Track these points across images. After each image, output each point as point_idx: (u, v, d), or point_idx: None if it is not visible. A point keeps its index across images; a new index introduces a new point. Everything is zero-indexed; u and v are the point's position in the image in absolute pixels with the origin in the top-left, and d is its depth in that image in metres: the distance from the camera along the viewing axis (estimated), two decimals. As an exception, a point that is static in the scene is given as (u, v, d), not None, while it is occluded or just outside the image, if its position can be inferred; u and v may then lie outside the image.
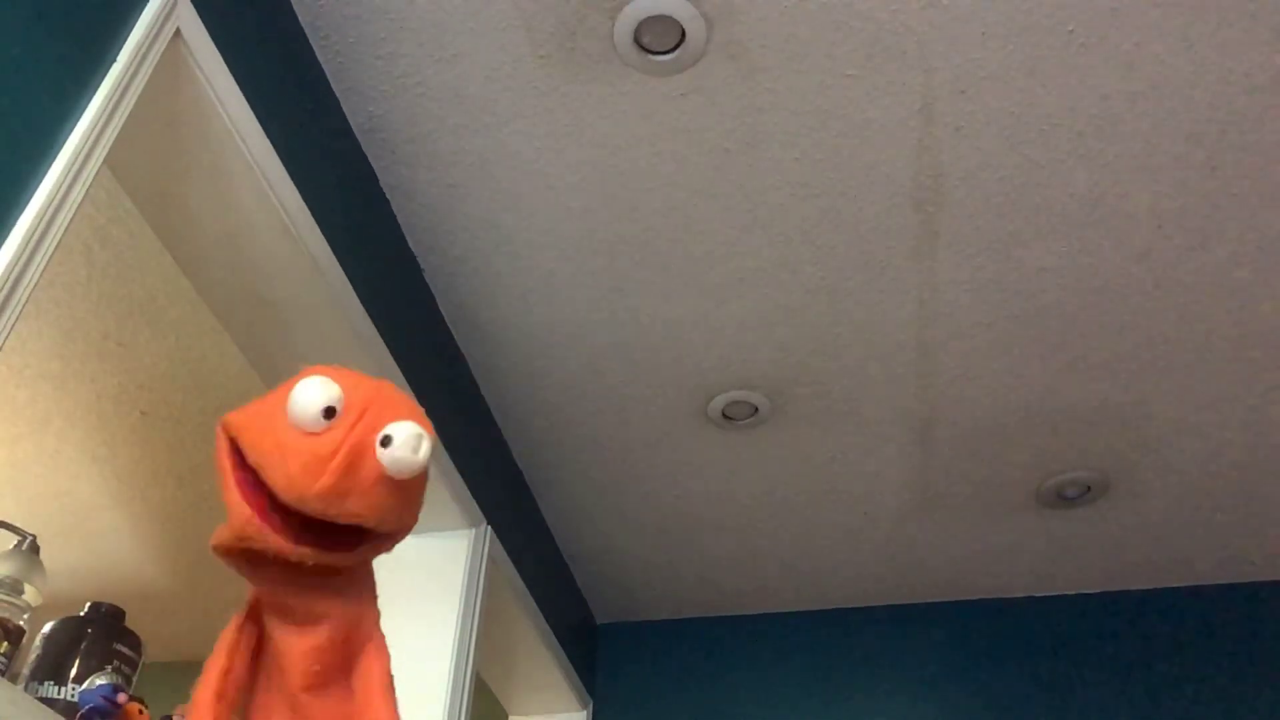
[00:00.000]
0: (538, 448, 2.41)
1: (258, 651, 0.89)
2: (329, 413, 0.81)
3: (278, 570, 0.84)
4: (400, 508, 0.84)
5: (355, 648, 0.89)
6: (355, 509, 0.80)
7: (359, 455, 0.80)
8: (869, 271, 1.95)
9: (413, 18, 1.57)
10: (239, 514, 0.80)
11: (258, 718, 0.87)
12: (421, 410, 0.87)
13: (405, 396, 0.88)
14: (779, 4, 1.54)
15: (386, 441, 0.80)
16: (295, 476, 0.79)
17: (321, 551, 0.82)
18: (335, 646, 0.87)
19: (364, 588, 0.92)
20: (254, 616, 0.89)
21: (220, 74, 1.32)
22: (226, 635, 0.87)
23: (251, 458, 0.81)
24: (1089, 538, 2.61)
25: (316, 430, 0.80)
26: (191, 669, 0.85)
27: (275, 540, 0.80)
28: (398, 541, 0.88)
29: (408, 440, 0.80)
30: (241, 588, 0.92)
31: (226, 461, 0.83)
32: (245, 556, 0.84)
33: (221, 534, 0.83)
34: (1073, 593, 2.81)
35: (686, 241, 1.91)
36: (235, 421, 0.84)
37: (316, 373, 0.85)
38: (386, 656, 0.89)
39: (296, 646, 0.85)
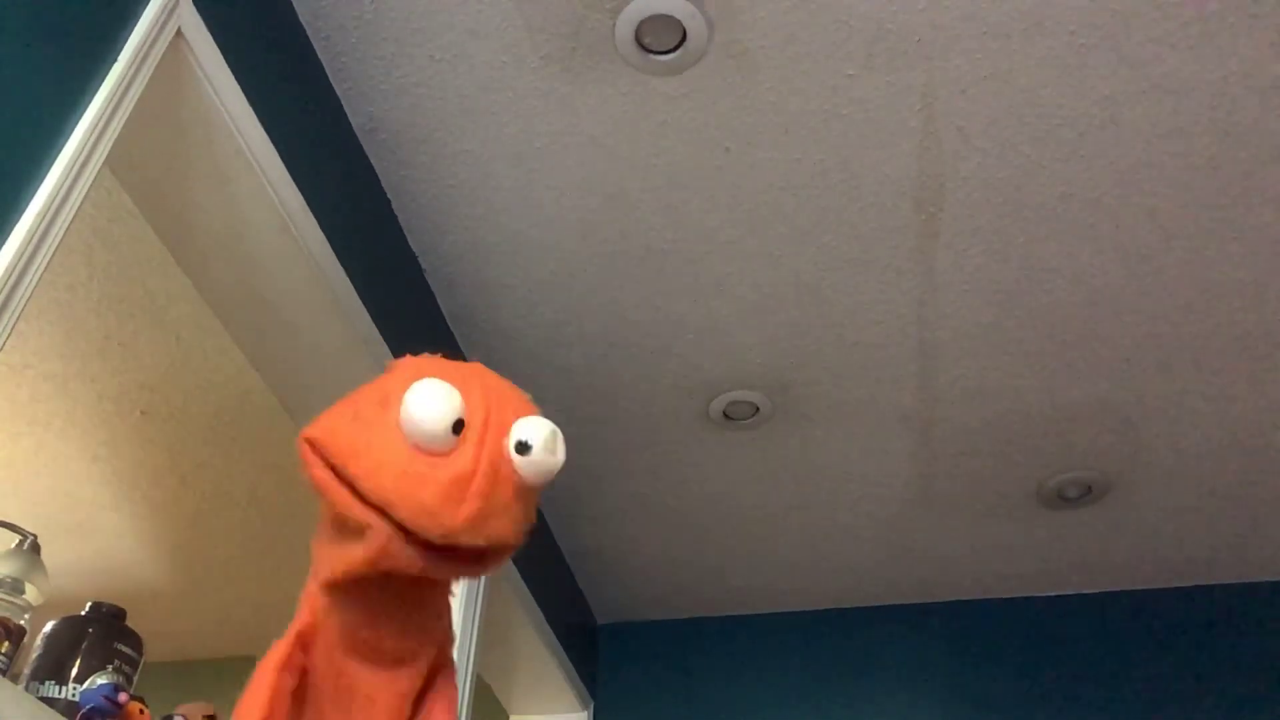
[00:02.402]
0: (538, 448, 2.41)
1: (298, 694, 0.76)
2: (457, 427, 0.70)
3: (380, 600, 0.75)
4: (531, 515, 0.76)
5: (433, 670, 0.81)
6: (498, 531, 0.71)
7: (496, 470, 0.71)
8: (869, 271, 1.95)
9: (414, 18, 1.57)
10: (380, 532, 0.69)
11: None
12: (526, 396, 0.79)
13: (510, 385, 0.79)
14: (780, 4, 1.54)
15: (524, 448, 0.72)
16: (436, 509, 0.68)
17: (457, 566, 0.73)
18: (420, 684, 0.78)
19: (447, 609, 0.84)
20: (301, 648, 0.76)
21: (221, 74, 1.32)
22: (266, 674, 0.73)
23: (372, 494, 0.69)
24: (1089, 538, 2.61)
25: (447, 449, 0.70)
26: (192, 669, 0.85)
27: (417, 560, 0.70)
28: (503, 561, 0.79)
29: (545, 442, 0.73)
30: (242, 586, 0.89)
31: (338, 487, 0.71)
32: (352, 586, 0.73)
33: (346, 561, 0.72)
34: (1073, 593, 2.81)
35: (687, 241, 1.91)
36: (332, 445, 0.72)
37: (423, 374, 0.73)
38: (455, 690, 0.82)
39: (388, 690, 0.76)
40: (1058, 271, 1.93)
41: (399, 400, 0.71)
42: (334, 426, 0.73)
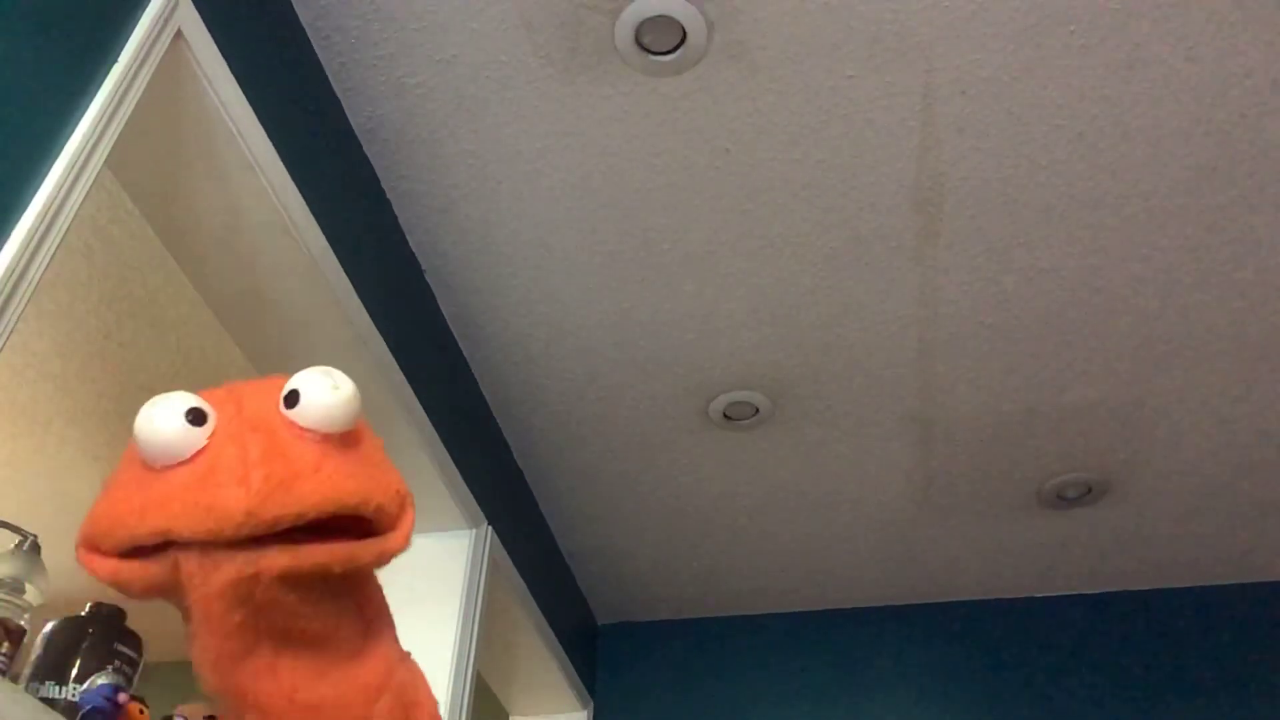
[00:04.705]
0: (538, 448, 2.41)
1: None
2: (196, 417, 0.59)
3: (291, 662, 0.61)
4: (369, 468, 0.63)
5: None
6: (318, 492, 0.58)
7: (271, 433, 0.59)
8: (869, 271, 1.95)
9: (414, 18, 1.57)
10: (186, 560, 0.57)
11: None
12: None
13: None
14: (780, 4, 1.54)
15: (293, 399, 0.61)
16: (213, 502, 0.56)
17: (324, 551, 0.60)
18: None
19: (401, 659, 0.69)
20: None
21: (221, 75, 1.32)
22: None
23: (146, 532, 0.58)
24: (1089, 538, 2.61)
25: (197, 447, 0.58)
26: (192, 669, 0.84)
27: (258, 559, 0.57)
28: (407, 527, 0.66)
29: (317, 384, 0.61)
30: None
31: (126, 563, 0.59)
32: (253, 652, 0.60)
33: (203, 639, 0.59)
34: (1073, 593, 2.81)
35: (686, 241, 1.91)
36: (95, 529, 0.61)
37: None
38: None
39: None
40: (1058, 271, 1.93)
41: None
42: (89, 515, 0.63)
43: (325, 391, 0.61)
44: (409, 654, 0.72)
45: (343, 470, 0.60)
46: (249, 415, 0.60)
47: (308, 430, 0.60)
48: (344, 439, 0.62)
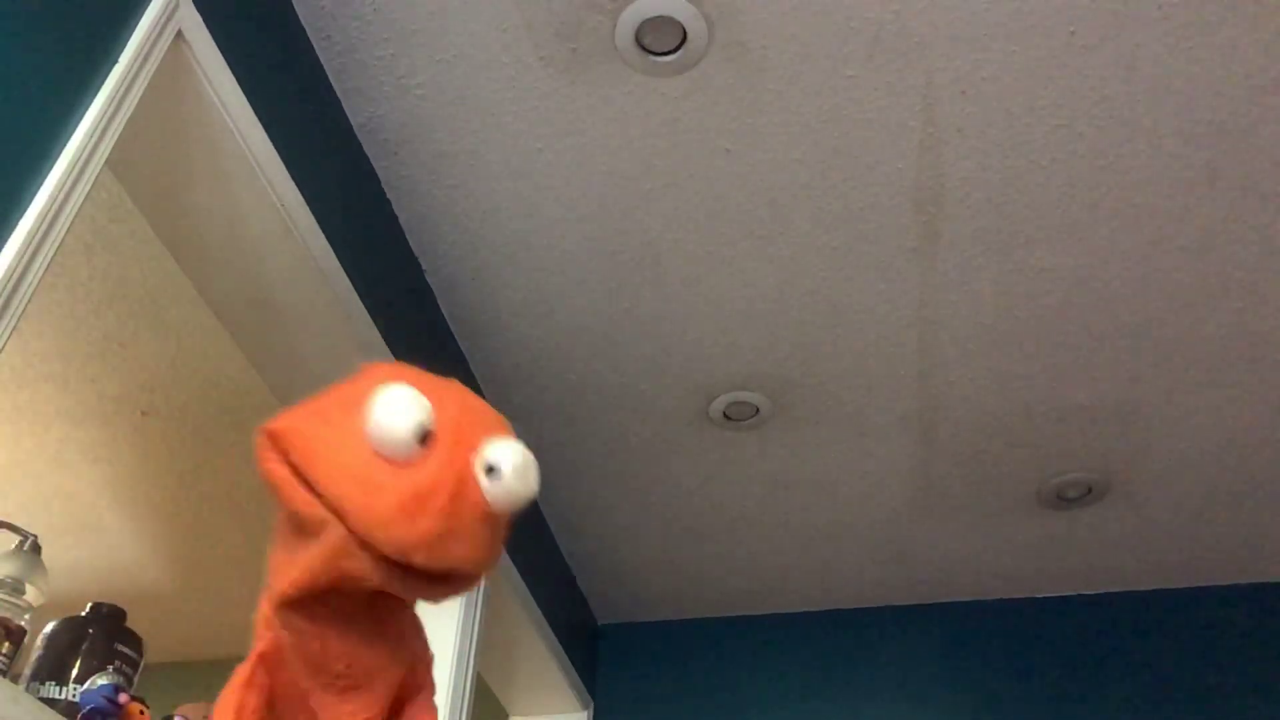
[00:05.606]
0: (538, 448, 2.41)
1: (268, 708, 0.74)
2: (423, 436, 0.67)
3: (331, 620, 0.70)
4: (498, 544, 0.71)
5: (405, 695, 0.77)
6: (457, 555, 0.66)
7: (462, 490, 0.66)
8: (869, 271, 1.95)
9: (414, 19, 1.57)
10: (335, 531, 0.65)
11: None
12: (503, 418, 0.75)
13: (486, 405, 0.76)
14: (781, 5, 1.54)
15: (493, 471, 0.67)
16: (389, 521, 0.64)
17: (416, 585, 0.68)
18: (382, 711, 0.74)
19: (415, 629, 0.80)
20: (265, 670, 0.73)
21: (222, 75, 1.32)
22: (232, 694, 0.72)
23: (327, 493, 0.65)
24: (1089, 538, 2.61)
25: (410, 459, 0.66)
26: (193, 669, 0.83)
27: (372, 570, 0.65)
28: (460, 587, 0.73)
29: (517, 468, 0.68)
30: (242, 587, 0.88)
31: (295, 483, 0.67)
32: (309, 604, 0.69)
33: (299, 567, 0.67)
34: (1073, 593, 2.81)
35: (687, 242, 1.91)
36: (293, 442, 0.68)
37: (392, 379, 0.70)
38: (433, 714, 0.78)
39: (347, 717, 0.72)
40: (1058, 271, 1.93)
41: (366, 404, 0.68)
42: (297, 424, 0.69)
43: (518, 484, 0.68)
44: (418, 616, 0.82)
45: (480, 543, 0.68)
46: (458, 458, 0.67)
47: (484, 501, 0.67)
48: (499, 517, 0.70)
